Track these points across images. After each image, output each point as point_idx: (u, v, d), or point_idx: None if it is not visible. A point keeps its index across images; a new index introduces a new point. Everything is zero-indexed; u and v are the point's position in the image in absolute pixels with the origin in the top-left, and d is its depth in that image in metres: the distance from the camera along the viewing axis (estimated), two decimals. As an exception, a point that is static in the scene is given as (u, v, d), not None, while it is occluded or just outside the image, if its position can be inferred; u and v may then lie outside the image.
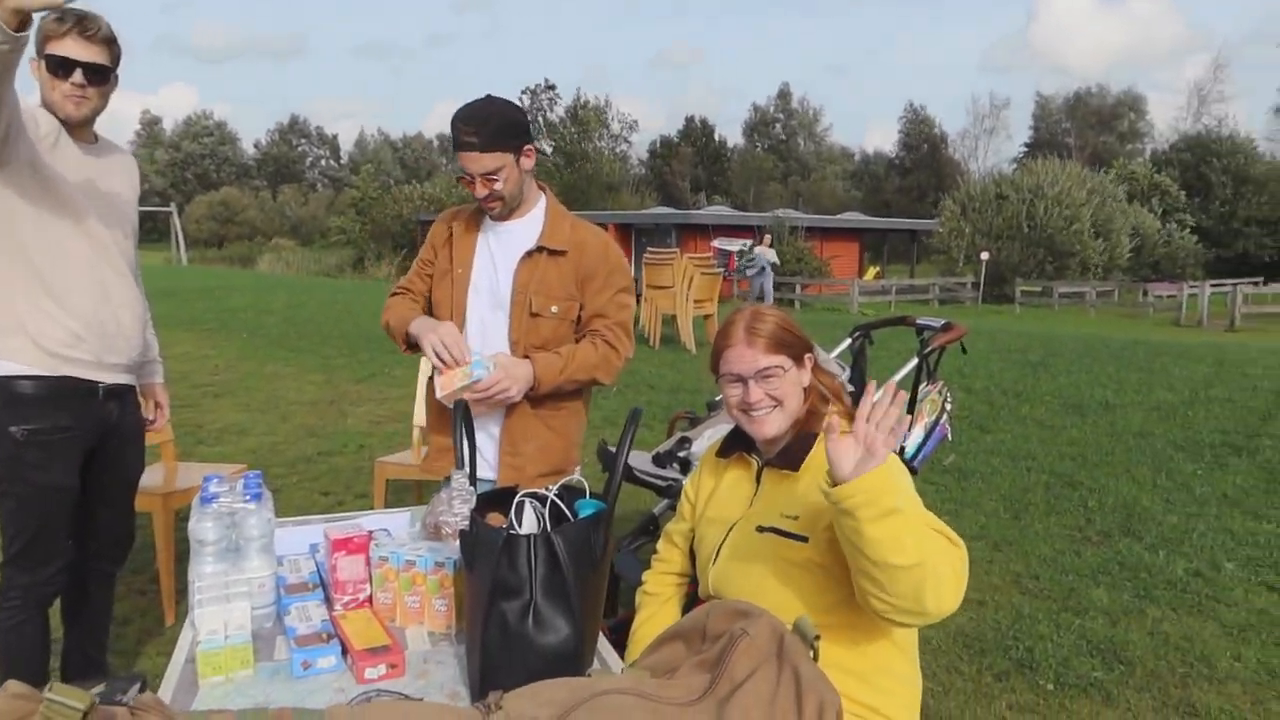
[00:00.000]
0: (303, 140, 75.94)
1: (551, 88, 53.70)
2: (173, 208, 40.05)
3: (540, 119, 53.34)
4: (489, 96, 2.28)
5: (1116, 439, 6.61)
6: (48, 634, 2.52)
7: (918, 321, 3.70)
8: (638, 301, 12.22)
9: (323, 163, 77.07)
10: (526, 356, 2.35)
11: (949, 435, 3.63)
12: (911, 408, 3.47)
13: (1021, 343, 12.67)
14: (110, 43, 2.33)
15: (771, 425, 1.78)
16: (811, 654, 0.93)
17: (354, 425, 6.99)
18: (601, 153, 48.66)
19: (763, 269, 19.13)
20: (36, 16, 1.84)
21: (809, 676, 0.90)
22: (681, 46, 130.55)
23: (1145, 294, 25.20)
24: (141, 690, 1.95)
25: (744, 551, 1.79)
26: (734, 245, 24.53)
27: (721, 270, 12.53)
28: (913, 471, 3.44)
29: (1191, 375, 9.47)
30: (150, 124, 70.70)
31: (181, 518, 3.98)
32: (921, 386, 3.51)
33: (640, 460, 3.34)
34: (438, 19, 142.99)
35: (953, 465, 5.83)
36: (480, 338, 2.40)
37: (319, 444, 6.37)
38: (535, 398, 2.37)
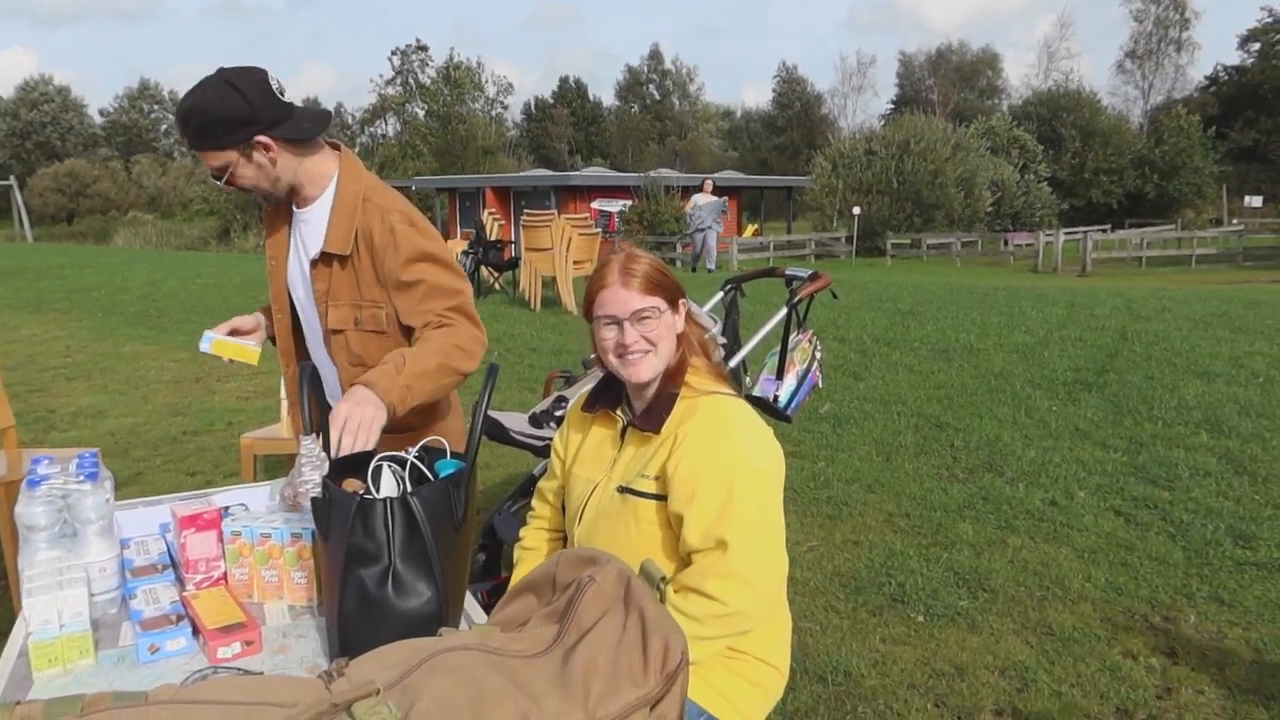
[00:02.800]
0: (155, 107, 71.65)
1: (423, 49, 52.20)
2: (12, 180, 37.28)
3: (412, 81, 51.82)
4: (199, 83, 1.94)
5: (980, 380, 6.91)
6: None
7: (786, 272, 3.75)
8: (515, 265, 12.07)
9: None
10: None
11: (821, 383, 3.71)
12: (783, 357, 3.53)
13: (892, 293, 13.08)
14: None
15: (647, 368, 1.74)
16: (659, 596, 0.93)
17: (222, 402, 6.71)
18: (476, 115, 47.67)
19: (705, 225, 17.04)
20: None
21: (654, 617, 0.89)
22: (554, 6, 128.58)
23: (1005, 243, 26.40)
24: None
25: (606, 511, 1.78)
26: (614, 206, 24.47)
27: (601, 231, 12.48)
28: (786, 420, 3.52)
29: (1047, 318, 9.96)
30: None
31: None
32: (792, 336, 3.58)
33: (517, 422, 3.30)
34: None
35: (828, 413, 5.98)
36: (317, 345, 2.20)
37: (185, 423, 6.09)
38: (358, 375, 1.97)
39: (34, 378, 7.63)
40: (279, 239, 2.19)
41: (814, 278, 3.65)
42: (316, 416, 1.62)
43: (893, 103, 58.93)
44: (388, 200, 2.07)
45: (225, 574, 1.70)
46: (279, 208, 2.17)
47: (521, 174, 32.10)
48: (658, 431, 1.74)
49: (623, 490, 1.76)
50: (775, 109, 66.35)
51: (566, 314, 10.46)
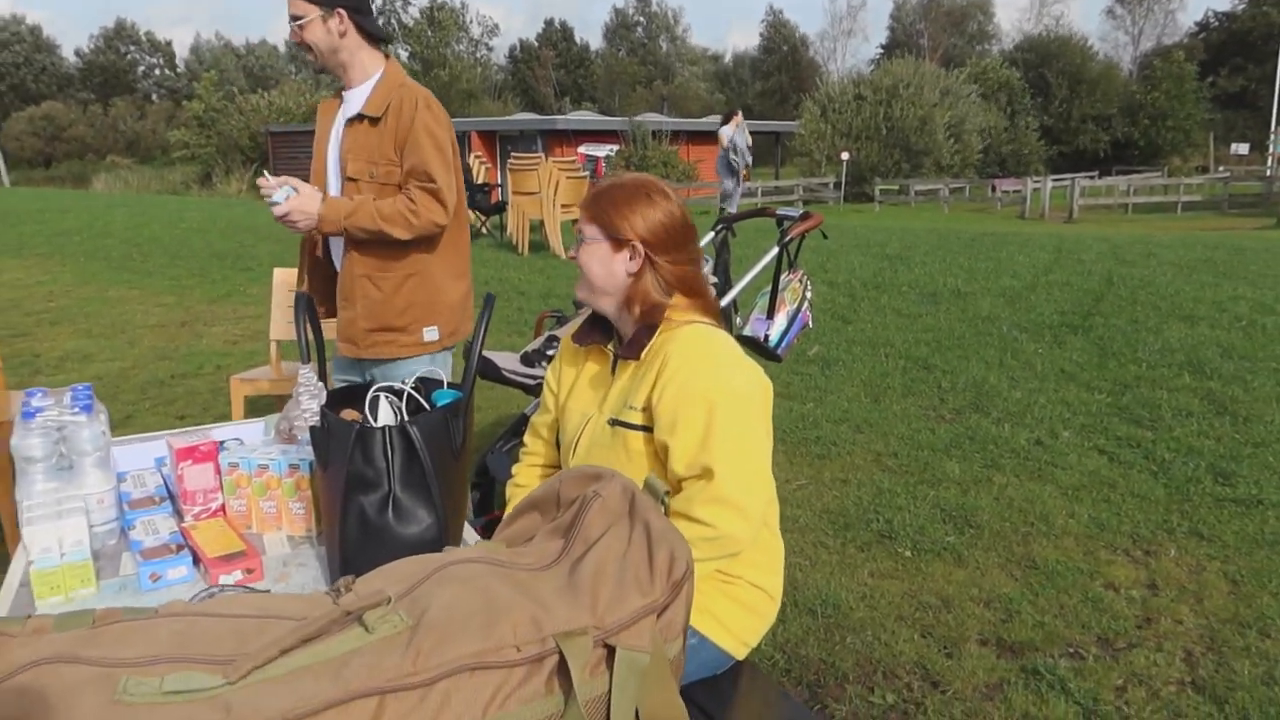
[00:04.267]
0: (132, 47, 70.07)
1: (405, -13, 51.15)
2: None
3: (394, 22, 50.78)
4: None
5: (967, 324, 6.94)
6: None
7: (777, 212, 3.74)
8: (502, 209, 11.97)
9: (156, 72, 71.52)
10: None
11: (810, 323, 3.72)
12: (773, 297, 3.53)
13: (880, 238, 13.08)
14: None
15: (577, 288, 1.85)
16: (662, 509, 0.94)
17: (209, 345, 6.67)
18: (460, 58, 46.87)
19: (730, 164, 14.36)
20: None
21: (659, 529, 0.90)
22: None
23: (993, 190, 26.31)
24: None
25: (599, 443, 1.80)
26: (601, 150, 24.23)
27: (589, 175, 12.37)
28: (776, 359, 3.54)
29: (1034, 263, 9.99)
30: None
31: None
32: (783, 276, 3.58)
33: (509, 361, 3.30)
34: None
35: (817, 355, 6.01)
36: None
37: (172, 366, 6.07)
38: (361, 257, 2.51)
39: (17, 322, 7.56)
40: (326, 121, 2.61)
41: (805, 217, 3.64)
42: (314, 347, 1.62)
43: (882, 47, 58.28)
44: (421, 90, 2.51)
45: (223, 505, 1.72)
46: (332, 101, 2.62)
47: (507, 118, 31.66)
48: (637, 358, 1.76)
49: (613, 423, 1.77)
50: (762, 53, 65.50)
51: (554, 258, 10.41)
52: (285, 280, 4.22)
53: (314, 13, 2.39)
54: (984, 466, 4.14)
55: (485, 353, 3.49)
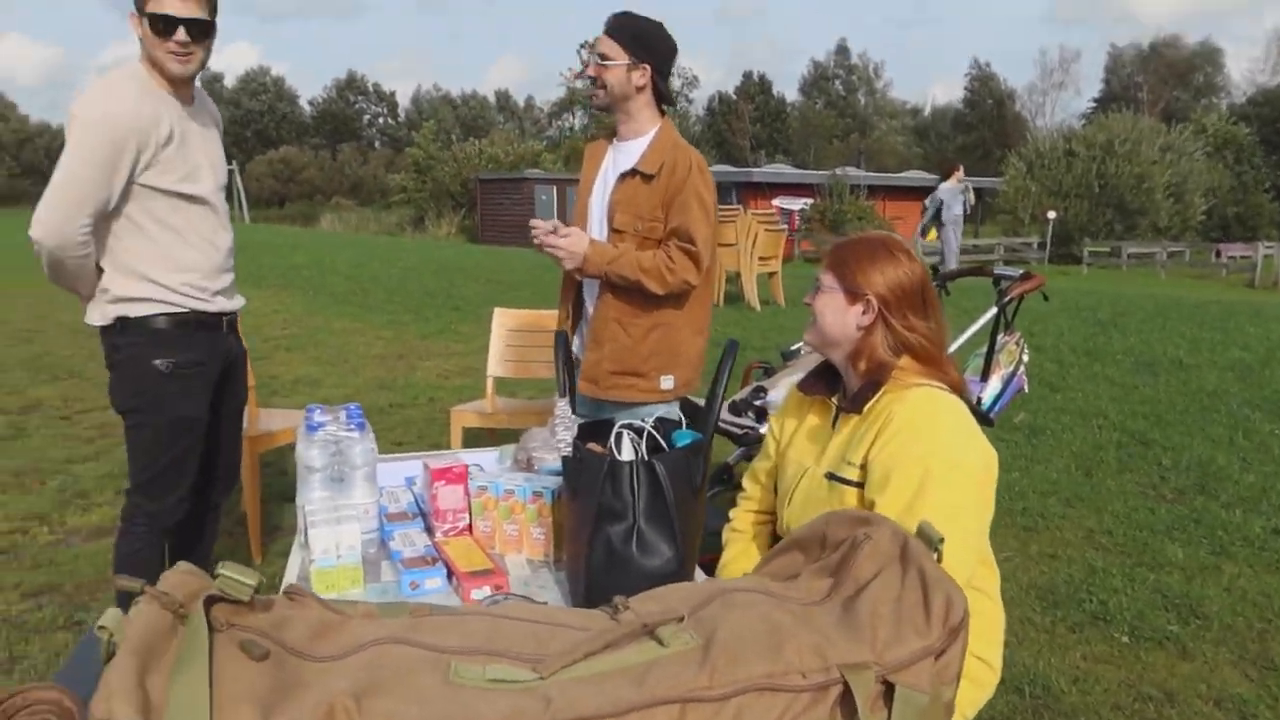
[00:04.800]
0: (360, 98, 76.29)
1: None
2: (234, 165, 40.65)
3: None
4: (653, 19, 2.63)
5: (1191, 398, 6.47)
6: (163, 563, 2.62)
7: (995, 271, 3.66)
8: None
9: (380, 120, 77.51)
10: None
11: (1025, 387, 3.61)
12: (989, 359, 3.45)
13: (1090, 301, 12.40)
14: None
15: (807, 333, 1.90)
16: (936, 557, 0.95)
17: (423, 378, 7.13)
18: (659, 110, 48.19)
19: (939, 216, 13.65)
20: None
21: (934, 575, 0.92)
22: (741, 2, 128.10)
23: (1218, 255, 24.40)
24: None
25: (813, 498, 1.81)
26: (796, 204, 24.26)
27: (784, 228, 12.43)
28: (989, 423, 3.44)
29: (1268, 335, 9.20)
30: (211, 81, 71.49)
31: (265, 462, 4.13)
32: (999, 337, 3.49)
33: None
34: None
35: (1023, 422, 5.76)
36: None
37: (390, 396, 6.51)
38: (615, 302, 2.62)
39: (257, 346, 8.32)
40: (593, 166, 2.76)
41: (1025, 278, 3.55)
42: (569, 381, 1.73)
43: (1095, 100, 55.57)
44: (695, 154, 2.63)
45: (470, 525, 1.85)
46: (604, 144, 2.77)
47: (702, 169, 32.16)
48: (859, 413, 1.76)
49: (830, 477, 1.79)
50: (965, 106, 63.84)
51: (749, 309, 10.48)
52: (504, 321, 4.48)
53: (623, 59, 2.54)
54: (1212, 553, 3.84)
55: (692, 398, 3.58)
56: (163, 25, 2.26)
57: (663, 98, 2.65)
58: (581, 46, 48.11)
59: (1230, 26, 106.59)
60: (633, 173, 2.59)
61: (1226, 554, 3.83)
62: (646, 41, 2.56)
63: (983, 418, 3.36)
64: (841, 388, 1.91)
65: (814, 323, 1.87)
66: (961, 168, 14.03)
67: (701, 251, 2.55)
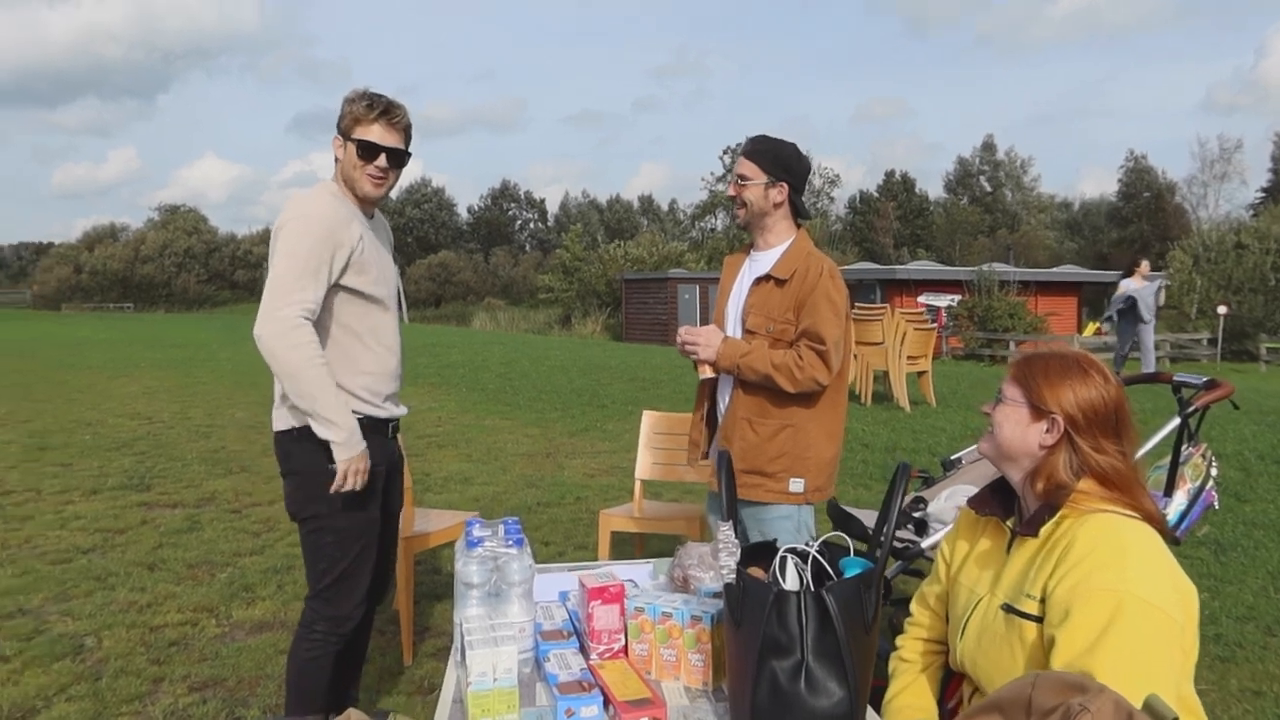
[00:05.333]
0: (512, 204, 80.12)
1: (752, 147, 54.19)
2: (395, 270, 43.21)
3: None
4: (786, 140, 2.79)
5: (1407, 514, 5.81)
6: (335, 672, 2.65)
7: (1175, 379, 3.41)
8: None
9: (531, 225, 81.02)
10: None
11: (1216, 503, 3.31)
12: (1172, 472, 3.19)
13: (1275, 404, 11.46)
14: (409, 129, 2.58)
15: (982, 443, 1.82)
16: (1172, 737, 0.84)
17: (570, 477, 7.18)
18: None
19: (1132, 308, 12.91)
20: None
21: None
22: (882, 102, 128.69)
23: None
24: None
25: (989, 631, 1.68)
26: (942, 300, 23.70)
27: (934, 326, 12.11)
28: (1175, 542, 3.15)
29: None
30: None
31: (417, 561, 4.20)
32: (1183, 450, 3.23)
33: (872, 520, 3.23)
34: (643, 86, 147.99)
35: (1207, 536, 5.29)
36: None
37: (537, 494, 6.58)
38: (745, 399, 2.71)
39: (411, 444, 8.61)
40: (731, 275, 2.90)
41: (1210, 385, 3.29)
42: (730, 504, 1.68)
43: (1264, 190, 52.44)
44: (827, 261, 2.75)
45: (625, 647, 1.79)
46: (741, 255, 2.91)
47: (846, 267, 32.10)
48: (1034, 535, 1.64)
49: (1007, 609, 1.65)
50: (1120, 199, 61.46)
51: (899, 409, 10.18)
52: (652, 424, 4.48)
53: (762, 179, 2.71)
54: None
55: (847, 507, 3.44)
56: (366, 151, 2.48)
57: (798, 211, 2.80)
58: (724, 152, 49.22)
59: None
60: (767, 278, 2.72)
61: None
62: (783, 161, 2.71)
63: (1168, 535, 3.08)
64: (1017, 508, 1.78)
65: (991, 433, 1.78)
66: (1146, 263, 13.45)
67: (831, 351, 2.62)
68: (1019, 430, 1.72)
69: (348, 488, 2.41)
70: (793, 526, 2.71)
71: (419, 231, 72.64)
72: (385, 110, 2.48)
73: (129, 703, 3.32)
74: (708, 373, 2.75)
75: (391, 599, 3.95)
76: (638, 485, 4.41)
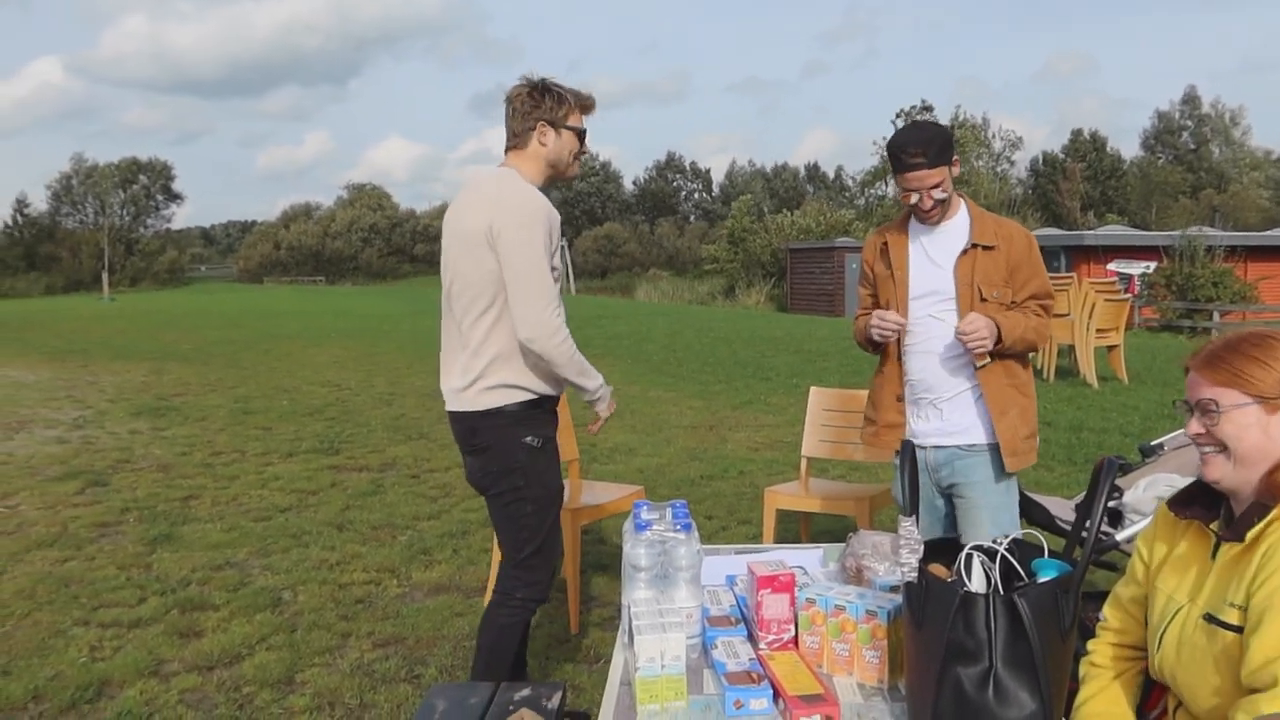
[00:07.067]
0: (677, 175, 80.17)
1: (928, 109, 52.10)
2: (565, 241, 44.33)
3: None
4: (919, 123, 2.74)
5: None
6: (527, 637, 2.75)
7: None
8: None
9: (695, 195, 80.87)
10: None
11: None
12: None
13: None
14: None
15: (1213, 469, 1.55)
16: None
17: (733, 450, 7.14)
18: (980, 173, 46.32)
19: None
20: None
21: None
22: (1067, 56, 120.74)
23: None
24: (563, 699, 2.06)
25: (1188, 642, 1.52)
26: (1135, 268, 22.14)
27: (1128, 296, 11.30)
28: None
29: None
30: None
31: (584, 532, 4.27)
32: None
33: (1061, 509, 3.03)
34: (811, 51, 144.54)
35: None
36: (923, 328, 2.70)
37: (701, 468, 6.57)
38: (1003, 368, 2.66)
39: (577, 414, 8.75)
40: (901, 257, 2.75)
41: None
42: (913, 498, 1.59)
43: None
44: (1014, 222, 2.79)
45: (795, 638, 1.74)
46: (899, 235, 2.78)
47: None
48: (1241, 540, 1.46)
49: (1208, 619, 1.49)
50: (1350, 152, 55.44)
51: (1085, 385, 9.57)
52: (819, 400, 4.36)
53: (946, 172, 2.62)
54: None
55: (1032, 494, 3.25)
56: (582, 138, 2.70)
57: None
58: (897, 115, 47.50)
59: None
60: (974, 246, 2.66)
61: None
62: (949, 143, 2.63)
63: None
64: (1224, 510, 1.60)
65: (1221, 453, 1.54)
66: None
67: (1054, 308, 2.76)
68: (1259, 432, 1.51)
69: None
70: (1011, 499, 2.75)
71: (586, 204, 73.88)
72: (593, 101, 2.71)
73: (320, 655, 3.53)
74: (986, 361, 2.66)
75: (558, 569, 4.03)
76: (804, 463, 4.31)
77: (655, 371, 11.82)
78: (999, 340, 2.56)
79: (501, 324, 2.53)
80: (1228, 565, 1.51)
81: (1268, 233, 28.68)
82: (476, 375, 2.56)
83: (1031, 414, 2.73)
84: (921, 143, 2.55)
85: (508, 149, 2.69)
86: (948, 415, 2.70)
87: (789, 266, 31.25)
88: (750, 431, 7.87)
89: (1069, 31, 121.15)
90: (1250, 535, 1.46)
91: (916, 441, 2.73)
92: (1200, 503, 1.64)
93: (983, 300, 2.64)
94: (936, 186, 2.58)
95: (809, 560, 2.12)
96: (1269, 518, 1.45)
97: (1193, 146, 60.71)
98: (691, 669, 1.70)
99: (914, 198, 2.61)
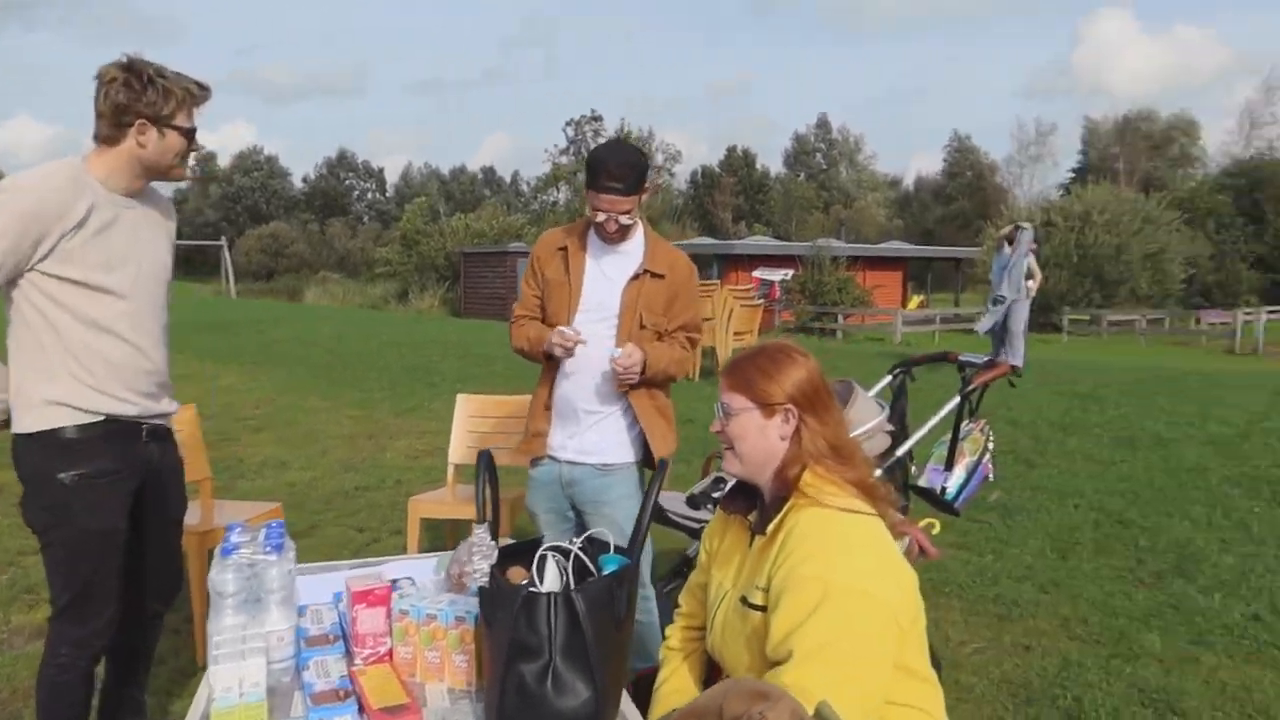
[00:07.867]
0: (350, 174, 77.06)
1: (597, 119, 54.20)
2: (223, 241, 40.94)
3: (582, 149, 53.75)
4: (623, 144, 2.82)
5: (1170, 475, 6.42)
6: (91, 685, 2.44)
7: (960, 358, 3.62)
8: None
9: (369, 196, 78.19)
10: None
11: (991, 475, 3.54)
12: (953, 447, 3.39)
13: (1069, 374, 12.43)
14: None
15: (728, 464, 1.80)
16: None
17: (392, 460, 7.01)
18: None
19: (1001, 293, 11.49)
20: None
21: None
22: (725, 81, 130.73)
23: (1197, 321, 24.64)
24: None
25: (728, 622, 1.75)
26: (776, 275, 24.44)
27: (762, 301, 12.45)
28: (954, 513, 3.36)
29: (1248, 406, 9.20)
30: (204, 159, 71.78)
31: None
32: (963, 425, 3.43)
33: (673, 502, 3.29)
34: (490, 56, 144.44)
35: (997, 502, 5.68)
36: (587, 342, 2.72)
37: (356, 479, 6.39)
38: (649, 393, 2.81)
39: (227, 427, 8.19)
40: (578, 267, 2.77)
41: (990, 365, 3.50)
42: (490, 505, 1.65)
43: (1074, 171, 56.41)
44: (682, 253, 2.89)
45: (391, 650, 1.75)
46: (579, 244, 2.79)
47: (684, 241, 32.57)
48: (764, 533, 1.69)
49: (742, 602, 1.71)
50: (945, 178, 64.99)
51: (725, 384, 10.43)
52: (466, 407, 4.41)
53: (637, 201, 2.66)
54: (1190, 643, 3.74)
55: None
56: (191, 138, 2.35)
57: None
58: (568, 124, 48.95)
59: (1201, 99, 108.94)
60: (644, 272, 2.75)
61: (1205, 643, 3.73)
62: (644, 174, 2.69)
63: (946, 507, 3.29)
64: (760, 505, 1.82)
65: (731, 451, 1.77)
66: (1028, 224, 12.32)
67: (699, 340, 2.93)
68: (758, 434, 1.74)
69: None
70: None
71: (248, 200, 68.96)
72: (207, 93, 2.35)
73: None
74: (627, 389, 2.77)
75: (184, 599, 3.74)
76: (451, 470, 4.34)
77: (316, 378, 11.29)
78: (643, 371, 2.67)
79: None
80: (757, 553, 1.73)
81: (881, 245, 32.86)
82: (16, 389, 2.28)
83: (671, 437, 2.89)
84: (623, 167, 2.59)
85: (97, 142, 2.28)
86: (590, 433, 2.77)
87: (462, 270, 31.13)
88: (411, 439, 7.77)
89: (729, 53, 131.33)
90: (770, 527, 1.68)
91: (554, 454, 2.83)
92: (743, 499, 1.86)
93: (641, 327, 2.73)
94: (626, 213, 2.64)
95: (421, 569, 2.14)
96: (783, 510, 1.68)
97: (824, 167, 68.19)
98: (282, 693, 1.66)
99: (601, 217, 2.64)
